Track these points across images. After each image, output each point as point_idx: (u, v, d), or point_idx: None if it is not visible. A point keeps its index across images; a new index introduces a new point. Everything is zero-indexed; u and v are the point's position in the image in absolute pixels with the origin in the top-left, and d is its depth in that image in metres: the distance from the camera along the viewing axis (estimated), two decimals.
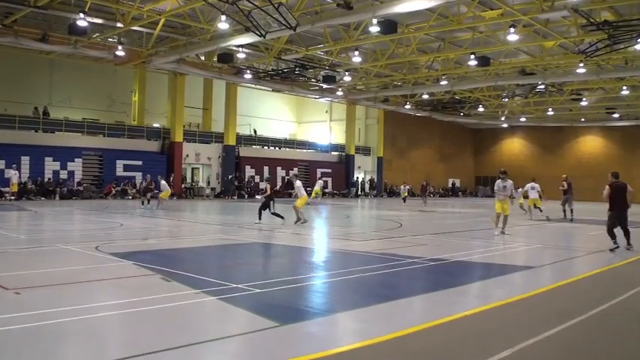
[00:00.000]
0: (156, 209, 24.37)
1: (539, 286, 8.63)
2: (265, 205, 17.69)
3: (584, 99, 42.54)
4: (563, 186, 22.92)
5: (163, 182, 26.09)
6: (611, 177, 13.05)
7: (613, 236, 12.74)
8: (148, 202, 26.13)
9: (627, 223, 12.94)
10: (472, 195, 60.15)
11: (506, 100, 43.86)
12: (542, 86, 36.70)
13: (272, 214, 17.76)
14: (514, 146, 61.20)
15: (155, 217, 20.67)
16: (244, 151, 42.46)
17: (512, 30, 23.88)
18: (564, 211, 22.99)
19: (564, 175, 23.50)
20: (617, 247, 12.54)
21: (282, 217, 17.72)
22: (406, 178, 45.46)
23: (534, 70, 33.97)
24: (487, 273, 10.22)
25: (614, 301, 7.56)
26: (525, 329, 6.05)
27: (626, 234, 12.89)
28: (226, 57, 30.66)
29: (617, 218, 12.85)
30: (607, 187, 12.88)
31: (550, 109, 46.85)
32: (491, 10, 23.36)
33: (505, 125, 58.50)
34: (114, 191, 33.25)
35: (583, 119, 51.77)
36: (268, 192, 17.87)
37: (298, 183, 18.12)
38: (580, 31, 24.32)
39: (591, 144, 55.87)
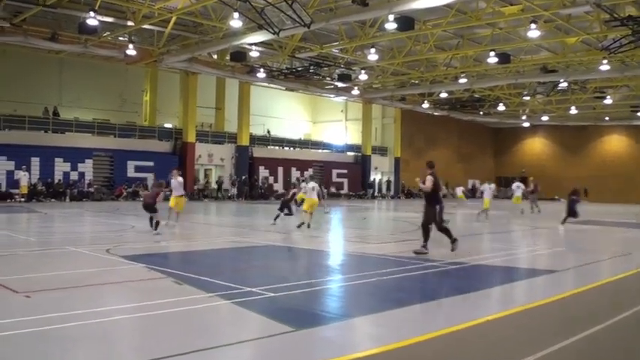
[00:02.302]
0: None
1: (562, 291, 8.33)
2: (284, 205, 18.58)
3: (608, 97, 41.87)
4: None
5: (178, 180, 17.48)
6: (427, 167, 11.62)
7: (428, 235, 11.49)
8: (156, 227, 14.84)
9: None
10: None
11: (528, 98, 43.33)
12: (565, 84, 36.24)
13: (285, 214, 18.47)
14: (535, 146, 60.03)
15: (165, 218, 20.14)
16: (258, 152, 42.06)
17: (533, 26, 23.51)
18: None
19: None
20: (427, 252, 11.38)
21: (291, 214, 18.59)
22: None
23: (556, 67, 33.56)
24: (507, 277, 9.99)
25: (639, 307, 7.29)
26: (548, 335, 5.90)
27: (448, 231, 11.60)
28: (239, 55, 30.45)
29: (440, 214, 11.51)
30: (430, 177, 11.42)
31: (573, 108, 45.90)
32: (511, 5, 23.19)
33: (526, 124, 57.45)
34: (125, 193, 32.99)
35: (607, 118, 50.81)
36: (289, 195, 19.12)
37: (309, 185, 18.31)
38: (603, 27, 24.14)
39: (616, 144, 54.61)
